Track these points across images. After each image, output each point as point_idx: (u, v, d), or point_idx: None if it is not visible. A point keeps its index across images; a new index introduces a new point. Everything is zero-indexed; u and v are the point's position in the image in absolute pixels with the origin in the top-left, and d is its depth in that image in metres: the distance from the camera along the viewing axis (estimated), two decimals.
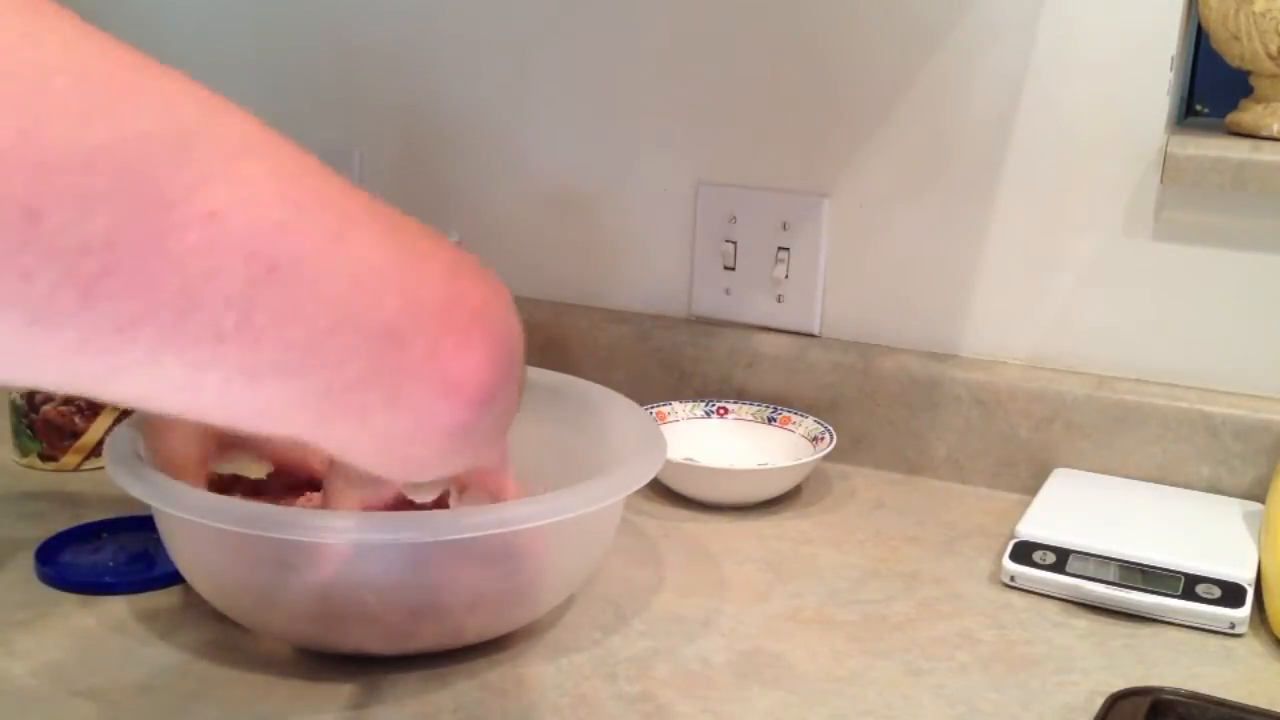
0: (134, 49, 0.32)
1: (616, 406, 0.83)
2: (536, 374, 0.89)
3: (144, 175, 0.29)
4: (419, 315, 0.37)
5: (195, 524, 0.64)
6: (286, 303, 0.33)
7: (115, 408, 0.93)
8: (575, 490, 0.68)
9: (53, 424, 0.94)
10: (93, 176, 0.28)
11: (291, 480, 0.76)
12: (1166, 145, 0.92)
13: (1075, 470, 0.97)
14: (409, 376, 0.37)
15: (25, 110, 0.27)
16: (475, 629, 0.71)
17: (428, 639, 0.70)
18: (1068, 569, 0.81)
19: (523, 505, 0.66)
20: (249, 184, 0.32)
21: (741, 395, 1.07)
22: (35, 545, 0.81)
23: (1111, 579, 0.80)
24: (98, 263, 0.29)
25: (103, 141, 0.29)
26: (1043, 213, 0.98)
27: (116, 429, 0.72)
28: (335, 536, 0.63)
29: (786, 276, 1.07)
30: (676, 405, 1.04)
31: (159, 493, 0.65)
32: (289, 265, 0.32)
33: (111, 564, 0.79)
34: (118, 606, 0.75)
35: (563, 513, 0.66)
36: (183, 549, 0.70)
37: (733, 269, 1.09)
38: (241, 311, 0.32)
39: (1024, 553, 0.83)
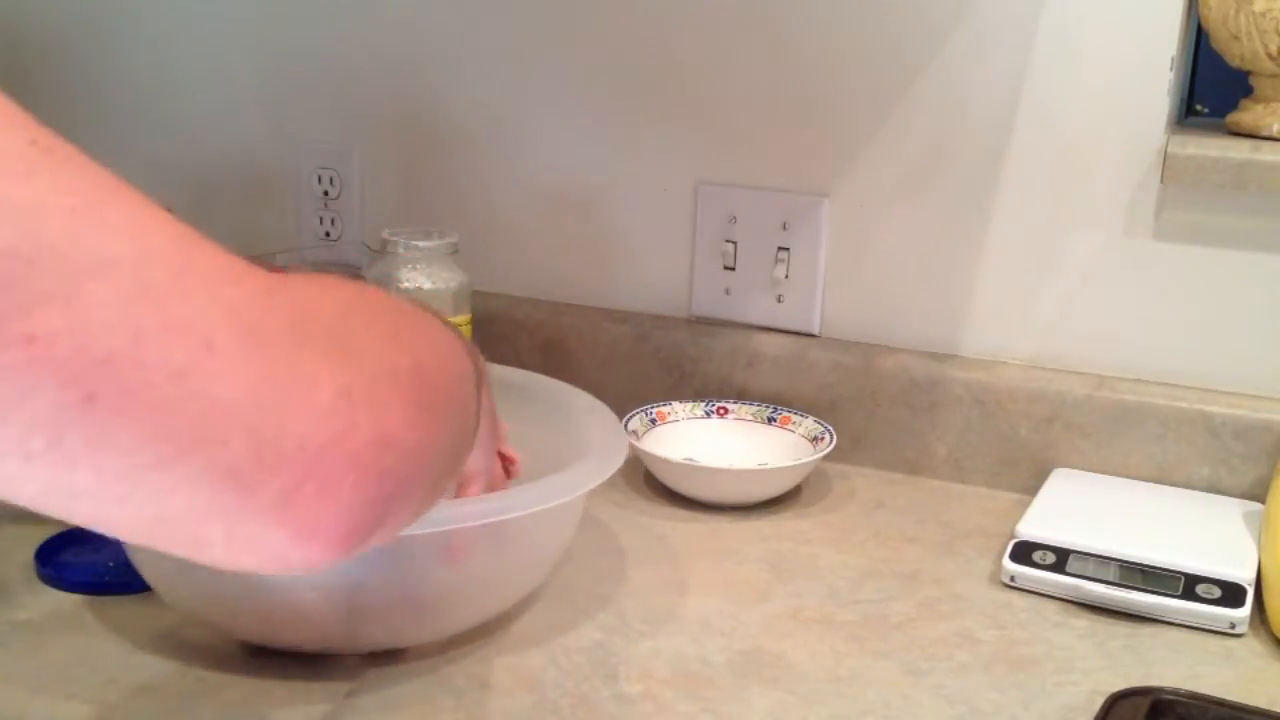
0: (41, 132, 0.32)
1: (584, 405, 0.84)
2: (505, 372, 0.90)
3: None
4: (270, 459, 0.34)
5: None
6: (103, 433, 0.32)
7: None
8: (517, 492, 0.68)
9: None
10: None
11: None
12: (1166, 145, 0.92)
13: (1075, 470, 0.97)
14: (251, 520, 0.35)
15: None
16: (421, 629, 0.71)
17: (370, 639, 0.70)
18: (1068, 569, 0.81)
19: (460, 505, 0.66)
20: (87, 310, 0.31)
21: (741, 395, 1.07)
22: (35, 545, 0.81)
23: (1111, 579, 0.80)
24: None
25: None
26: (1043, 213, 0.98)
27: None
28: None
29: (786, 276, 1.07)
30: (676, 405, 1.04)
31: None
32: (112, 396, 0.31)
33: (111, 564, 0.79)
34: (118, 606, 0.75)
35: (498, 515, 0.66)
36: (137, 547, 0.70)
37: (733, 269, 1.09)
38: (50, 435, 0.31)
39: (1024, 553, 0.83)
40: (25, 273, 0.30)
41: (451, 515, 0.65)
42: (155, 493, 0.33)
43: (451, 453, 0.44)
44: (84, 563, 0.79)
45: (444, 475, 0.43)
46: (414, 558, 0.67)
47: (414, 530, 0.62)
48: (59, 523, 0.84)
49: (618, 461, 0.74)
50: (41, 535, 0.82)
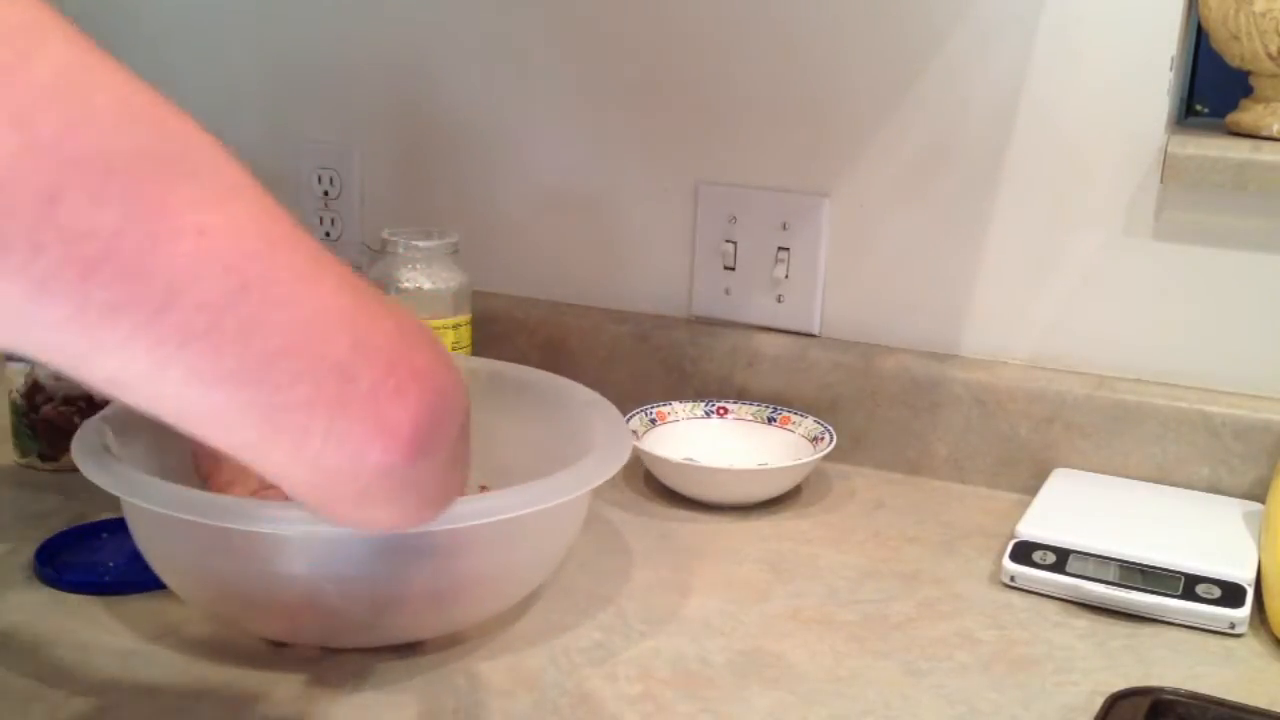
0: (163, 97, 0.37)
1: (585, 400, 0.84)
2: (504, 368, 0.91)
3: (154, 185, 0.34)
4: (366, 357, 0.40)
5: (156, 514, 0.65)
6: (252, 318, 0.36)
7: None
8: (524, 489, 0.68)
9: (53, 424, 0.94)
10: (111, 177, 0.33)
11: None
12: (1166, 145, 0.92)
13: (1075, 470, 0.97)
14: (349, 410, 0.40)
15: (68, 115, 0.33)
16: (439, 622, 0.72)
17: (385, 633, 0.70)
18: (1068, 569, 0.81)
19: (469, 503, 0.66)
20: (235, 216, 0.36)
21: (741, 395, 1.07)
22: (35, 545, 0.81)
23: (1111, 579, 0.80)
24: (99, 248, 0.33)
25: (125, 150, 0.34)
26: (1042, 213, 0.98)
27: (86, 422, 0.73)
28: (289, 528, 0.63)
29: (786, 276, 1.07)
30: (676, 405, 1.04)
31: (122, 483, 0.66)
32: (260, 287, 0.36)
33: (111, 564, 0.79)
34: (118, 606, 0.75)
35: (509, 510, 0.67)
36: (148, 539, 0.71)
37: (733, 269, 1.09)
38: (212, 317, 0.36)
39: (1024, 553, 0.83)
40: (191, 179, 0.35)
41: (461, 513, 0.65)
42: (281, 379, 0.38)
43: (462, 431, 0.48)
44: (84, 563, 0.79)
45: (461, 438, 0.48)
46: (427, 551, 0.67)
47: (425, 527, 0.63)
48: (59, 523, 0.85)
49: (624, 456, 0.75)
50: (41, 535, 0.82)
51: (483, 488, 0.80)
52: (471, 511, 0.66)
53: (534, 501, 0.68)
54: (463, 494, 0.53)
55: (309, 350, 0.38)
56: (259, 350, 0.37)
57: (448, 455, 0.46)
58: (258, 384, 0.37)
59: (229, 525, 0.63)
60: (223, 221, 0.36)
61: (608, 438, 0.77)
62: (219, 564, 0.67)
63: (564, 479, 0.71)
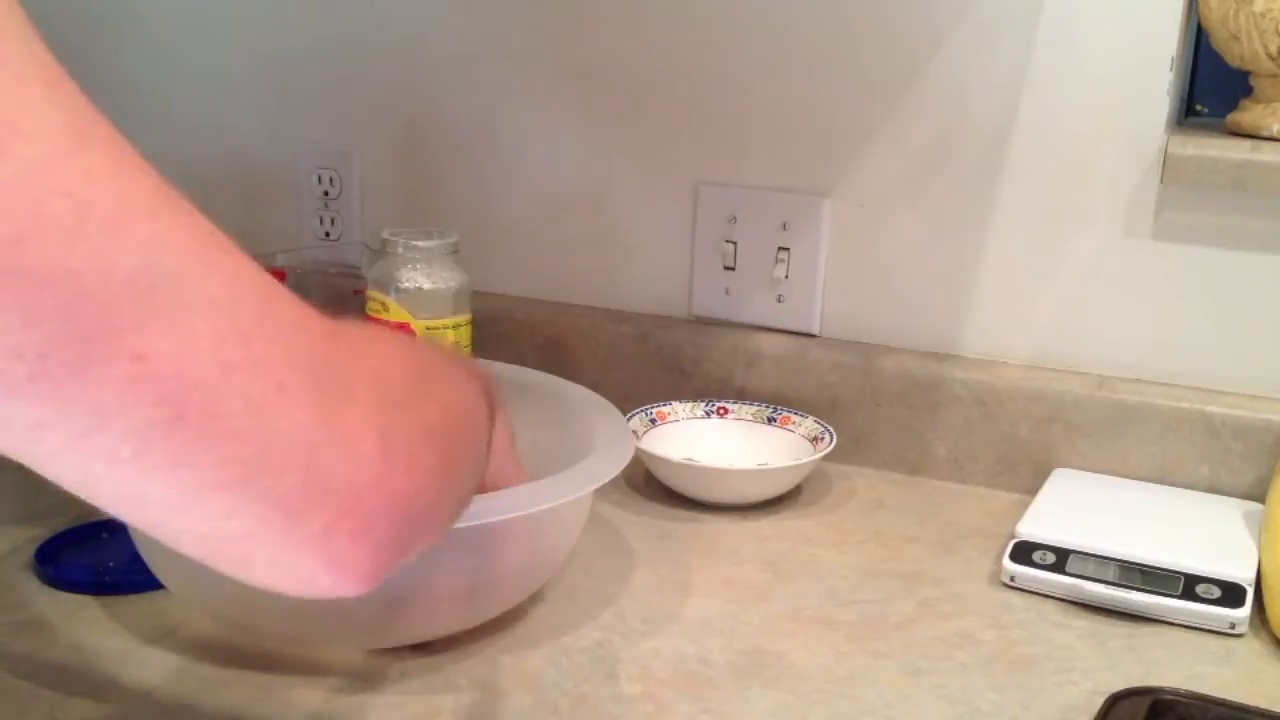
0: (160, 181, 0.36)
1: (587, 403, 0.84)
2: (502, 369, 0.91)
3: (94, 305, 0.33)
4: (319, 495, 0.38)
5: None
6: (183, 451, 0.35)
7: None
8: (524, 489, 0.68)
9: None
10: (48, 294, 0.32)
11: None
12: (1166, 145, 0.92)
13: (1075, 470, 0.97)
14: (295, 547, 0.38)
15: (16, 228, 0.32)
16: (446, 622, 0.72)
17: (391, 635, 0.70)
18: (1068, 569, 0.81)
19: (475, 503, 0.66)
20: (189, 339, 0.35)
21: (741, 395, 1.07)
22: (35, 545, 0.81)
23: (1111, 579, 0.80)
24: (25, 369, 0.32)
25: (72, 269, 0.32)
26: (1043, 213, 0.98)
27: None
28: None
29: (786, 276, 1.07)
30: (676, 405, 1.04)
31: None
32: (199, 419, 0.35)
33: (112, 564, 0.79)
34: (118, 606, 0.75)
35: (523, 508, 0.67)
36: (149, 544, 0.70)
37: (733, 269, 1.09)
38: (138, 446, 0.35)
39: (1024, 553, 0.83)
40: (143, 298, 0.34)
41: (468, 512, 0.65)
42: (216, 510, 0.37)
43: (466, 491, 0.49)
44: (84, 563, 0.79)
45: (457, 514, 0.48)
46: (434, 554, 0.67)
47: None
48: (59, 523, 0.85)
49: (626, 456, 0.75)
50: (41, 535, 0.82)
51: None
52: (472, 513, 0.66)
53: (535, 502, 0.68)
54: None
55: (252, 486, 0.36)
56: (193, 480, 0.36)
57: (448, 517, 0.45)
58: (190, 512, 0.37)
59: None
60: (168, 347, 0.34)
61: (609, 438, 0.77)
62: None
63: (565, 480, 0.71)
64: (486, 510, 0.66)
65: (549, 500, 0.68)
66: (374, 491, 0.39)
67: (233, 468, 0.36)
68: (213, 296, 0.36)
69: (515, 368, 0.92)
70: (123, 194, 0.34)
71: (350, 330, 0.42)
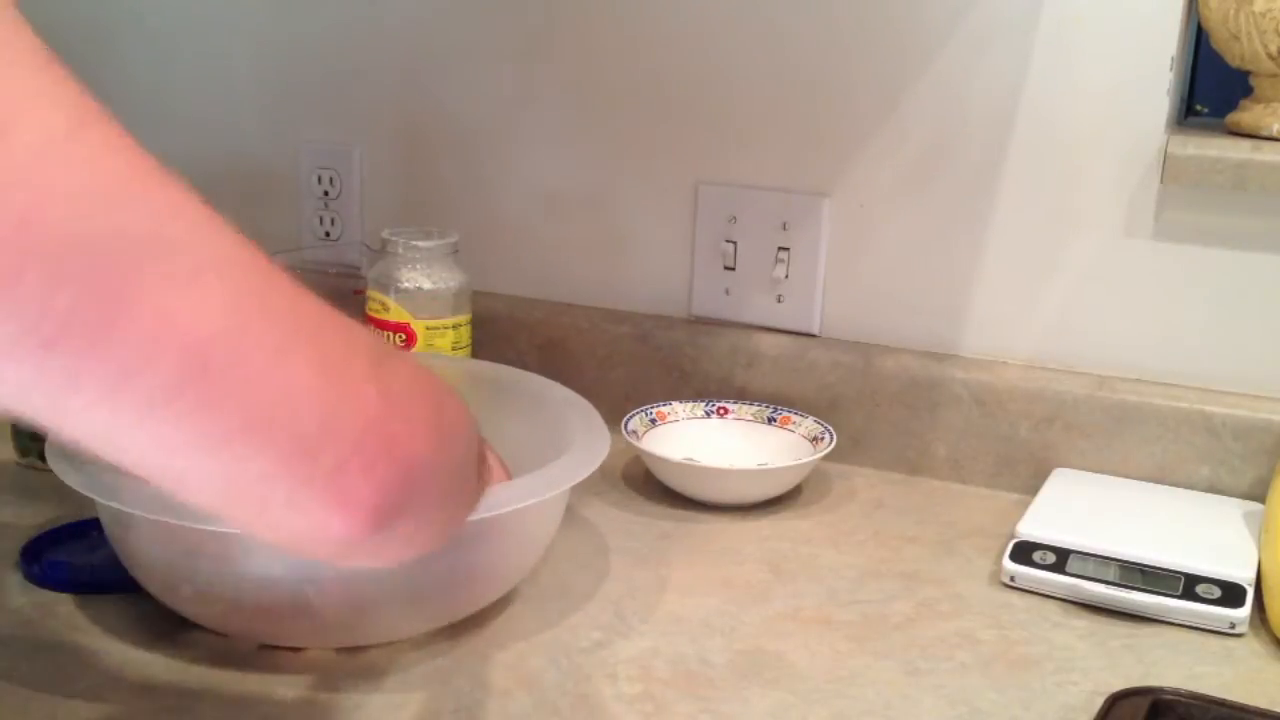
0: (152, 160, 0.38)
1: (562, 398, 0.84)
2: (482, 367, 0.92)
3: (115, 267, 0.35)
4: (332, 435, 0.40)
5: (129, 514, 0.66)
6: (211, 397, 0.37)
7: None
8: (499, 488, 0.68)
9: None
10: (70, 260, 0.34)
11: None
12: (1166, 145, 0.92)
13: (1075, 470, 0.97)
14: (310, 485, 0.40)
15: (35, 197, 0.34)
16: (412, 623, 0.72)
17: (367, 633, 0.70)
18: (1068, 569, 0.81)
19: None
20: (205, 295, 0.37)
21: (741, 395, 1.07)
22: (19, 543, 0.80)
23: (1111, 579, 0.80)
24: (56, 325, 0.34)
25: (90, 233, 0.35)
26: (1043, 213, 0.98)
27: None
28: None
29: (786, 276, 1.07)
30: (676, 405, 1.04)
31: (94, 484, 0.66)
32: (222, 367, 0.37)
33: (95, 565, 0.78)
34: (117, 606, 0.75)
35: (500, 507, 0.67)
36: (124, 541, 0.71)
37: (733, 269, 1.09)
38: (169, 394, 0.37)
39: (1024, 553, 0.83)
40: (161, 259, 0.36)
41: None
42: (240, 452, 0.39)
43: (458, 475, 0.50)
44: (81, 563, 0.79)
45: (449, 495, 0.49)
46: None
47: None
48: (43, 521, 0.84)
49: (600, 456, 0.75)
50: (26, 534, 0.82)
51: None
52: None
53: (507, 502, 0.68)
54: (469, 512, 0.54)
55: (271, 427, 0.39)
56: (219, 426, 0.38)
57: (438, 496, 0.47)
58: (216, 456, 0.39)
59: (201, 526, 0.63)
60: (187, 301, 0.36)
61: (585, 437, 0.77)
62: (192, 566, 0.67)
63: (538, 479, 0.71)
64: None
65: (517, 501, 0.69)
66: (374, 435, 0.42)
67: (256, 410, 0.38)
68: (223, 257, 0.38)
69: (495, 365, 0.93)
70: (130, 165, 0.37)
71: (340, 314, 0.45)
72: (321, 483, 0.40)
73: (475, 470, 0.54)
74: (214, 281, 0.37)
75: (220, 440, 0.38)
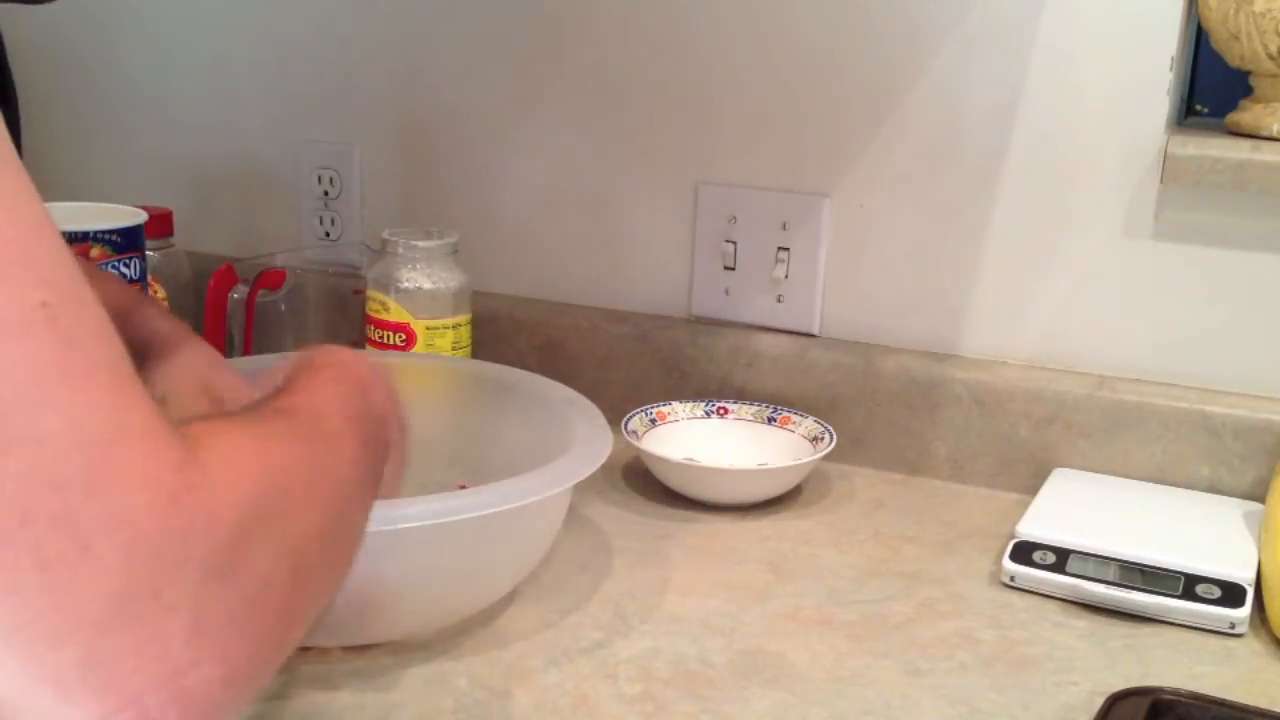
0: (63, 293, 0.33)
1: (568, 400, 0.84)
2: (484, 368, 0.92)
3: None
4: (98, 680, 0.34)
5: None
6: None
7: None
8: (496, 487, 0.69)
9: None
10: None
11: None
12: (1166, 145, 0.92)
13: (1075, 470, 0.97)
14: None
15: None
16: (409, 622, 0.72)
17: (362, 632, 0.70)
18: (1068, 569, 0.81)
19: (449, 499, 0.67)
20: None
21: (741, 395, 1.07)
22: None
23: (1111, 579, 0.80)
24: None
25: None
26: (1043, 213, 0.98)
27: None
28: None
29: (786, 276, 1.07)
30: (676, 405, 1.04)
31: None
32: None
33: None
34: None
35: (498, 505, 0.67)
36: None
37: (733, 269, 1.09)
38: None
39: (1024, 553, 0.83)
40: None
41: (443, 508, 0.66)
42: None
43: (307, 626, 0.43)
44: None
45: (288, 649, 0.42)
46: (397, 549, 0.67)
47: (405, 525, 0.63)
48: None
49: (602, 455, 0.75)
50: None
51: (461, 486, 0.80)
52: (444, 509, 0.66)
53: (505, 500, 0.68)
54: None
55: (15, 652, 0.33)
56: None
57: (289, 633, 0.40)
58: None
59: None
60: None
61: (586, 437, 0.77)
62: None
63: (538, 477, 0.71)
64: (452, 509, 0.66)
65: (516, 500, 0.69)
66: (167, 685, 0.35)
67: (4, 625, 0.32)
68: (42, 437, 0.32)
69: (496, 366, 0.93)
70: None
71: (215, 464, 0.37)
72: None
73: (359, 543, 0.47)
74: (13, 467, 0.32)
75: None
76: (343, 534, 0.45)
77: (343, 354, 0.55)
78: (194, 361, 0.73)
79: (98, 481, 0.33)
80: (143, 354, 0.72)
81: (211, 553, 0.35)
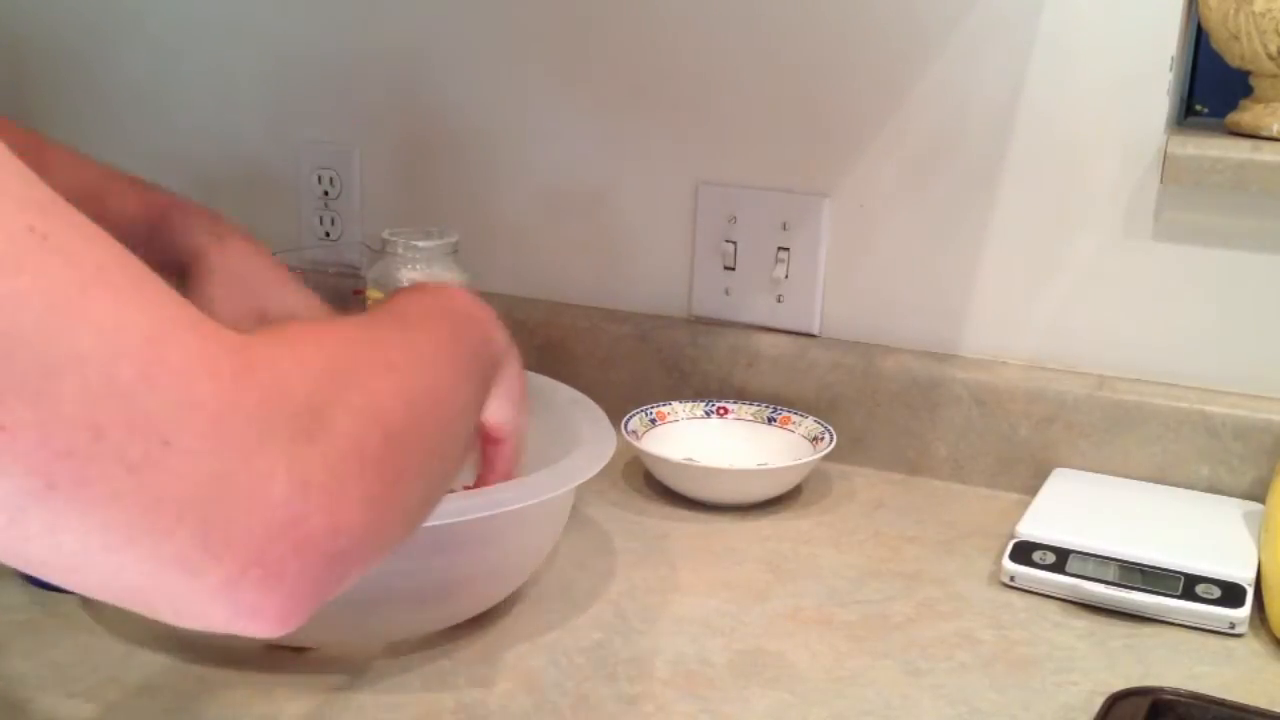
0: (46, 216, 0.33)
1: (567, 398, 0.85)
2: None
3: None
4: (217, 549, 0.36)
5: None
6: (58, 519, 0.34)
7: None
8: (504, 487, 0.69)
9: None
10: None
11: None
12: (1166, 145, 0.92)
13: (1075, 470, 0.97)
14: (195, 600, 0.37)
15: None
16: (416, 622, 0.72)
17: (370, 632, 0.70)
18: (1068, 569, 0.81)
19: (449, 500, 0.66)
20: (54, 404, 0.33)
21: (741, 395, 1.07)
22: None
23: (1111, 579, 0.80)
24: None
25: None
26: (1043, 213, 0.98)
27: None
28: None
29: (786, 276, 1.07)
30: (676, 405, 1.04)
31: None
32: (69, 486, 0.33)
33: None
34: (116, 606, 0.75)
35: (502, 506, 0.67)
36: None
37: (733, 269, 1.09)
38: (11, 515, 0.33)
39: (1024, 553, 0.83)
40: (2, 365, 0.32)
41: (446, 509, 0.65)
42: (107, 570, 0.36)
43: (425, 497, 0.46)
44: None
45: (413, 523, 0.45)
46: (406, 550, 0.67)
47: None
48: None
49: (606, 455, 0.75)
50: None
51: (465, 486, 0.80)
52: (451, 510, 0.66)
53: (513, 500, 0.68)
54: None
55: (135, 548, 0.35)
56: (73, 546, 0.35)
57: (400, 515, 0.42)
58: (77, 571, 0.36)
59: None
60: (31, 416, 0.32)
61: (591, 436, 0.77)
62: None
63: (544, 477, 0.71)
64: (459, 510, 0.66)
65: (523, 500, 0.69)
66: (282, 538, 0.37)
67: (115, 531, 0.34)
68: (84, 353, 0.33)
69: None
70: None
71: (277, 349, 0.40)
72: (211, 597, 0.37)
73: (464, 435, 0.48)
74: (67, 388, 0.33)
75: (80, 557, 0.35)
76: (435, 406, 0.46)
77: (443, 285, 0.57)
78: (243, 280, 0.70)
79: (156, 379, 0.34)
80: (182, 272, 0.71)
81: (292, 418, 0.37)
